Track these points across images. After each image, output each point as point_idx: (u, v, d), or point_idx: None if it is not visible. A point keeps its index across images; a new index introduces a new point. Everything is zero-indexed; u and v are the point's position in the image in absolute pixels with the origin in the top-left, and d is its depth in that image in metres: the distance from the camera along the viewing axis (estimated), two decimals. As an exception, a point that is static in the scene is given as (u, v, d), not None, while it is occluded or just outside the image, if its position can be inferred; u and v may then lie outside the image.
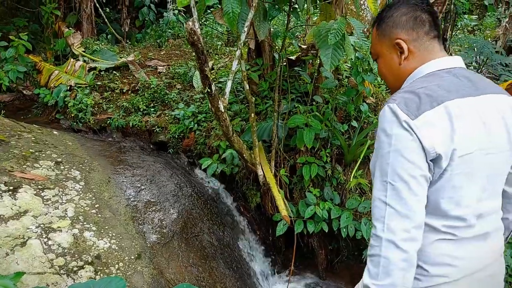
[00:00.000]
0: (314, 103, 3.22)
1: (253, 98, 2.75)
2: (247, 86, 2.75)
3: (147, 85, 4.37)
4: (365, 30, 3.53)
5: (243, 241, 3.25)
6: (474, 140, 1.15)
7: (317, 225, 2.98)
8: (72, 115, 4.18)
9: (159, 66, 4.95)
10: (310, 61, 3.31)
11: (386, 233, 1.08)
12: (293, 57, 3.48)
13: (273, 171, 2.93)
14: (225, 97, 2.46)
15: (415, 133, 1.09)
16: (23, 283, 1.87)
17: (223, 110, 2.39)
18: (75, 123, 4.18)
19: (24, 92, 4.68)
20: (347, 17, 2.07)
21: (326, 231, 2.99)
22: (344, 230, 2.93)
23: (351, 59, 2.25)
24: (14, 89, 4.67)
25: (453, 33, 3.80)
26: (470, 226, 1.19)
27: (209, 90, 2.25)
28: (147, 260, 2.39)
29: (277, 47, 3.56)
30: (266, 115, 3.43)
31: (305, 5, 2.77)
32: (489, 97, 1.21)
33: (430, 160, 1.11)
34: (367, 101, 3.04)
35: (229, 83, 2.48)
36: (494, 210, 1.27)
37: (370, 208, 1.21)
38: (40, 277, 1.96)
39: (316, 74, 3.22)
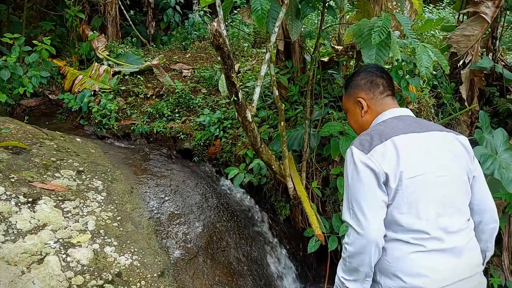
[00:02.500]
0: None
1: (283, 105, 2.54)
2: (276, 92, 2.55)
3: (171, 89, 4.25)
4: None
5: (272, 256, 3.05)
6: (421, 165, 1.40)
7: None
8: (96, 121, 4.10)
9: (184, 69, 4.82)
10: (345, 62, 3.06)
11: (349, 246, 1.40)
12: (325, 59, 3.25)
13: (304, 183, 2.71)
14: (253, 105, 2.26)
15: (366, 163, 1.38)
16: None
17: (250, 120, 2.19)
18: (99, 129, 4.09)
19: (50, 96, 4.65)
20: (393, 12, 1.84)
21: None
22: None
23: (397, 60, 2.02)
24: (40, 93, 4.65)
25: (503, 32, 3.45)
26: (436, 238, 1.37)
27: (235, 98, 2.06)
28: (171, 278, 2.24)
29: (307, 48, 3.34)
30: (296, 122, 3.21)
31: (339, 3, 2.55)
32: (434, 133, 1.49)
33: (383, 183, 1.37)
34: (410, 107, 2.77)
35: (258, 90, 2.28)
36: (462, 227, 1.43)
37: None
38: (57, 299, 1.84)
39: (351, 77, 2.97)
